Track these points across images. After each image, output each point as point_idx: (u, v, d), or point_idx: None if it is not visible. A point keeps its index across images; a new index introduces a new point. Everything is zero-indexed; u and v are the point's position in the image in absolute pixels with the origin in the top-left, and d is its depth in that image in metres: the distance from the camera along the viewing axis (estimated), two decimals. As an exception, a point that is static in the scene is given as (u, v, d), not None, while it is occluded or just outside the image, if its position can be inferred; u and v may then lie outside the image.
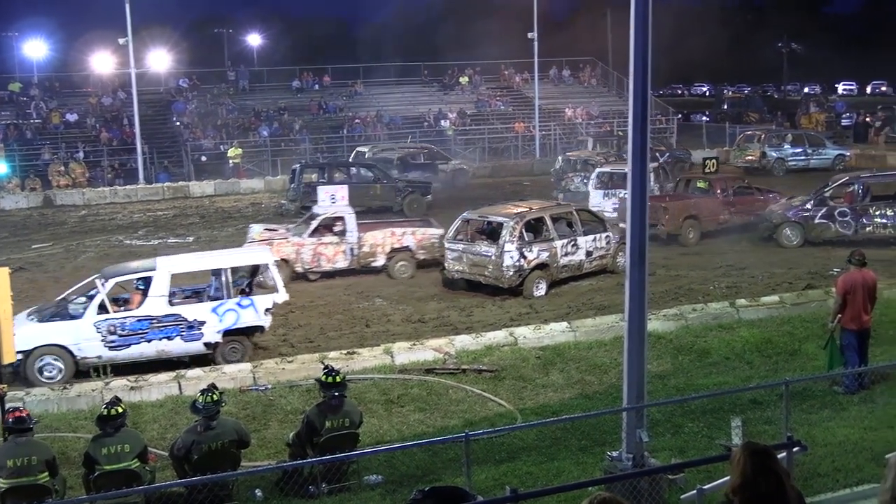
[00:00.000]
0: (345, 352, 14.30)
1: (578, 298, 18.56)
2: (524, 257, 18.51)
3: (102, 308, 14.50)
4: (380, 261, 20.59)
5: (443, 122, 47.34)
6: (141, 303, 14.77)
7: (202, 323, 14.81)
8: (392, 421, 11.96)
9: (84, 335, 14.33)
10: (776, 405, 11.00)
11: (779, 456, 7.09)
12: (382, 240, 20.68)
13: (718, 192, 24.76)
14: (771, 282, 19.11)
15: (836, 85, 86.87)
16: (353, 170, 31.14)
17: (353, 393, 11.57)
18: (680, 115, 53.00)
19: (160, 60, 49.63)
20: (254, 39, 73.46)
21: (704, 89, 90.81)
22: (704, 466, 8.62)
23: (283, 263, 19.54)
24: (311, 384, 12.12)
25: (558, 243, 19.16)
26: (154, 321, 14.57)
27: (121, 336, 14.43)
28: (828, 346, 12.43)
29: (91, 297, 14.82)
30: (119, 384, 13.03)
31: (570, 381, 13.25)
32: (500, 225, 18.84)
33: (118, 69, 46.14)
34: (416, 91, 53.09)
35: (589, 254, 19.75)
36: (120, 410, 9.26)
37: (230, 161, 39.99)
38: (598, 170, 27.83)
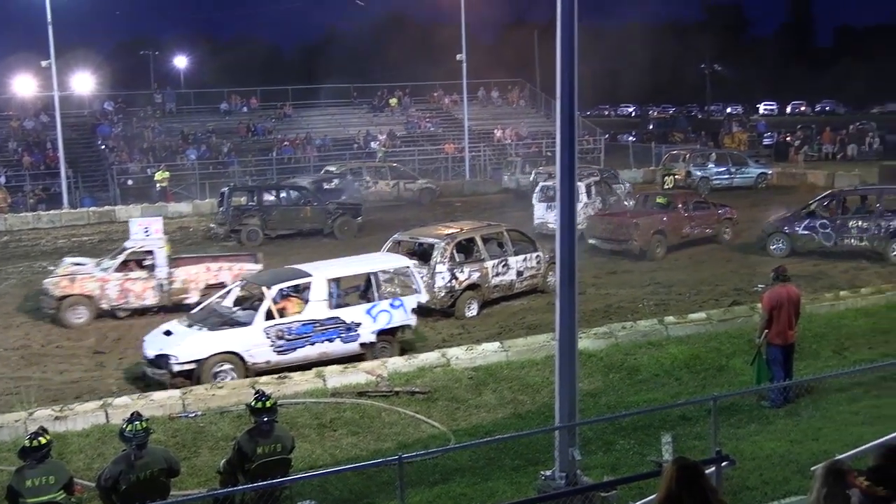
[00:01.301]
0: (276, 376, 14.13)
1: (510, 318, 18.65)
2: (456, 278, 18.56)
3: (269, 315, 14.95)
4: (193, 297, 19.40)
5: (373, 144, 47.35)
6: (302, 308, 15.41)
7: (358, 324, 15.61)
8: (325, 445, 11.85)
9: (255, 341, 14.81)
10: (705, 420, 11.14)
11: (708, 470, 7.21)
12: (196, 275, 19.76)
13: (680, 206, 25.36)
14: (698, 299, 19.46)
15: (758, 105, 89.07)
16: (283, 192, 30.89)
17: (284, 418, 11.45)
18: (607, 136, 53.70)
19: (84, 83, 48.80)
20: (180, 62, 72.80)
21: (630, 110, 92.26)
22: (636, 483, 8.70)
23: (87, 300, 18.99)
24: (242, 410, 11.95)
25: (489, 263, 19.25)
26: (317, 325, 15.26)
27: (288, 340, 15.00)
28: (755, 362, 12.64)
29: (252, 305, 15.64)
30: (43, 414, 12.68)
31: (503, 401, 13.28)
32: (432, 246, 18.88)
33: (41, 92, 45.18)
34: (346, 113, 53.02)
35: (520, 273, 19.88)
36: (44, 441, 9.00)
37: (157, 184, 39.43)
38: (541, 183, 28.21)
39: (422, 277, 18.45)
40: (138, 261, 19.75)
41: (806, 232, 23.36)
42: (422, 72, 57.30)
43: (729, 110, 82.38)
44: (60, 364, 16.56)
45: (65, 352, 17.36)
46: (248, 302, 16.26)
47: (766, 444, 10.52)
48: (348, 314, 15.62)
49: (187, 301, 19.45)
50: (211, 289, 19.47)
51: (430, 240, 19.20)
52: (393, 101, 54.05)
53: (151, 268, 19.55)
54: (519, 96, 57.33)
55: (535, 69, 59.52)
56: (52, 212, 36.17)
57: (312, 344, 15.23)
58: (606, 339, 15.52)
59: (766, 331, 12.51)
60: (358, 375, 14.06)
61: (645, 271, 22.53)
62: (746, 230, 26.39)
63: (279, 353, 14.97)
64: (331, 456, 11.48)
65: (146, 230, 20.00)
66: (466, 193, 40.98)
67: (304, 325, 15.17)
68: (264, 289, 15.48)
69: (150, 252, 19.67)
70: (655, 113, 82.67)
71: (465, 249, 19.44)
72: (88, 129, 46.21)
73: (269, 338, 14.89)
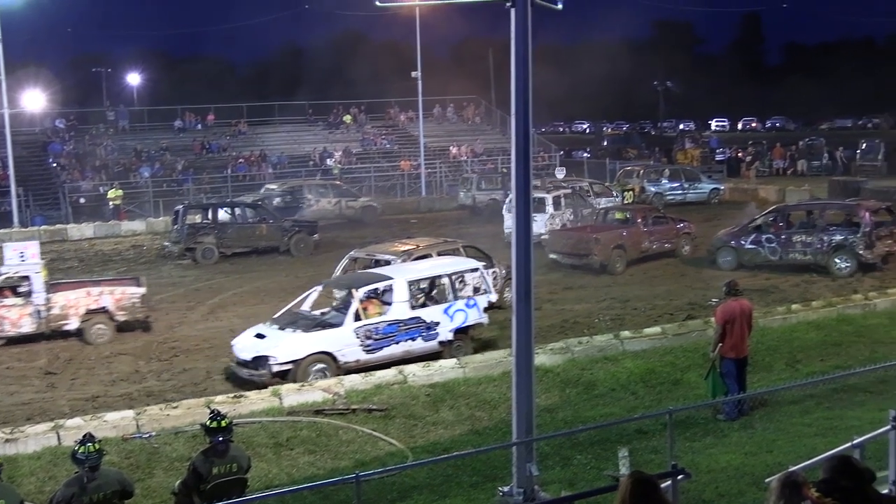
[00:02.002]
0: (231, 395, 14.00)
1: (467, 334, 18.64)
2: (412, 294, 18.55)
3: (357, 316, 15.64)
4: (73, 323, 18.75)
5: (328, 161, 47.23)
6: (381, 310, 16.23)
7: (437, 324, 16.39)
8: (281, 464, 11.77)
9: (346, 341, 15.54)
10: (661, 434, 11.22)
11: (665, 484, 7.25)
12: (76, 300, 18.81)
13: (639, 221, 25.62)
14: (653, 313, 19.60)
15: (710, 122, 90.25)
16: (238, 210, 30.71)
17: (240, 437, 11.34)
18: (562, 152, 54.08)
19: (35, 100, 48.17)
20: (133, 79, 72.10)
21: (585, 126, 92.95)
22: (594, 497, 8.71)
23: None
24: (198, 430, 11.81)
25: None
26: (401, 325, 16.05)
27: (375, 340, 15.76)
28: (709, 376, 12.70)
29: (343, 308, 16.36)
30: (-7, 437, 12.48)
31: (461, 418, 13.27)
32: (388, 262, 18.82)
33: (-10, 109, 44.58)
34: (301, 130, 52.84)
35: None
36: (-7, 465, 8.85)
37: (110, 203, 39.02)
38: (511, 195, 28.28)
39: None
40: (13, 287, 18.89)
41: (752, 246, 23.75)
42: (377, 89, 57.31)
43: (682, 127, 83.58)
44: (11, 385, 16.27)
45: (15, 373, 17.05)
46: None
47: (722, 457, 10.61)
48: (428, 314, 16.40)
49: (67, 328, 18.83)
50: (92, 314, 18.88)
51: (387, 256, 19.17)
52: (348, 118, 53.95)
53: (28, 294, 18.64)
54: (474, 113, 57.53)
55: (491, 86, 59.79)
56: (1, 231, 35.56)
57: (397, 343, 15.97)
58: (563, 354, 15.58)
59: (720, 344, 12.63)
60: (314, 393, 13.98)
61: (601, 286, 22.66)
62: (700, 245, 26.66)
63: (368, 352, 15.65)
64: (287, 475, 11.39)
65: (21, 255, 19.05)
66: (422, 210, 41.02)
67: (389, 325, 15.92)
68: (353, 290, 16.14)
69: (27, 278, 18.76)
70: (609, 129, 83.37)
71: (422, 266, 19.41)
72: (39, 146, 45.63)
73: (358, 337, 15.58)
